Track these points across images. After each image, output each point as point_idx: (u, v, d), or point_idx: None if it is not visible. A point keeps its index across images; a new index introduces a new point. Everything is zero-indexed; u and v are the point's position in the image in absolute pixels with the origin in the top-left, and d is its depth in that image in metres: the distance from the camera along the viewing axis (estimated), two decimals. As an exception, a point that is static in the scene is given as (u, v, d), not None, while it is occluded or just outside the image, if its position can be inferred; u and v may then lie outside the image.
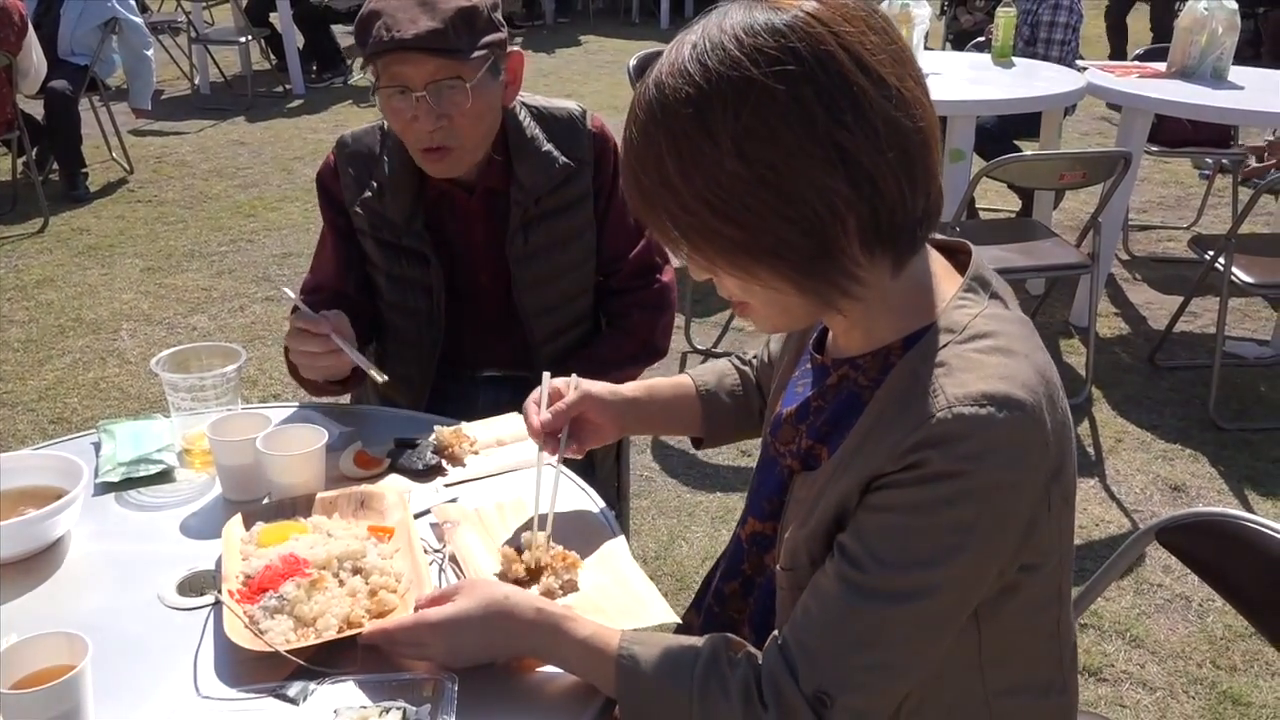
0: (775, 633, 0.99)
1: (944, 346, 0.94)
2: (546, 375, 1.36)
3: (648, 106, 0.91)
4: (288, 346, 1.57)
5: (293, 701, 1.01)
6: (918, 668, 0.95)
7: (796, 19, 0.88)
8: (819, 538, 0.98)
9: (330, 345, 1.52)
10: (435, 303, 1.78)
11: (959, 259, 1.05)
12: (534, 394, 1.34)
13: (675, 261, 1.35)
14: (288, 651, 1.05)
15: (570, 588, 1.18)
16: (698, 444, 1.44)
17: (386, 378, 1.52)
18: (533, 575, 1.19)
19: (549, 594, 1.15)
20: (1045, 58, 4.47)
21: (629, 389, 1.36)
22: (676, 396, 1.40)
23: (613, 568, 1.22)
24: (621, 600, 1.15)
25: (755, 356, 1.43)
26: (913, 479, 0.90)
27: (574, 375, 1.35)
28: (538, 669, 1.06)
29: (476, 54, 1.56)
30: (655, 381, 1.41)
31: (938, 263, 1.03)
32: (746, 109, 0.86)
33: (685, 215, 0.91)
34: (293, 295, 1.58)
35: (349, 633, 1.08)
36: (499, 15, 1.62)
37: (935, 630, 0.94)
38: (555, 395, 1.32)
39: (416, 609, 1.08)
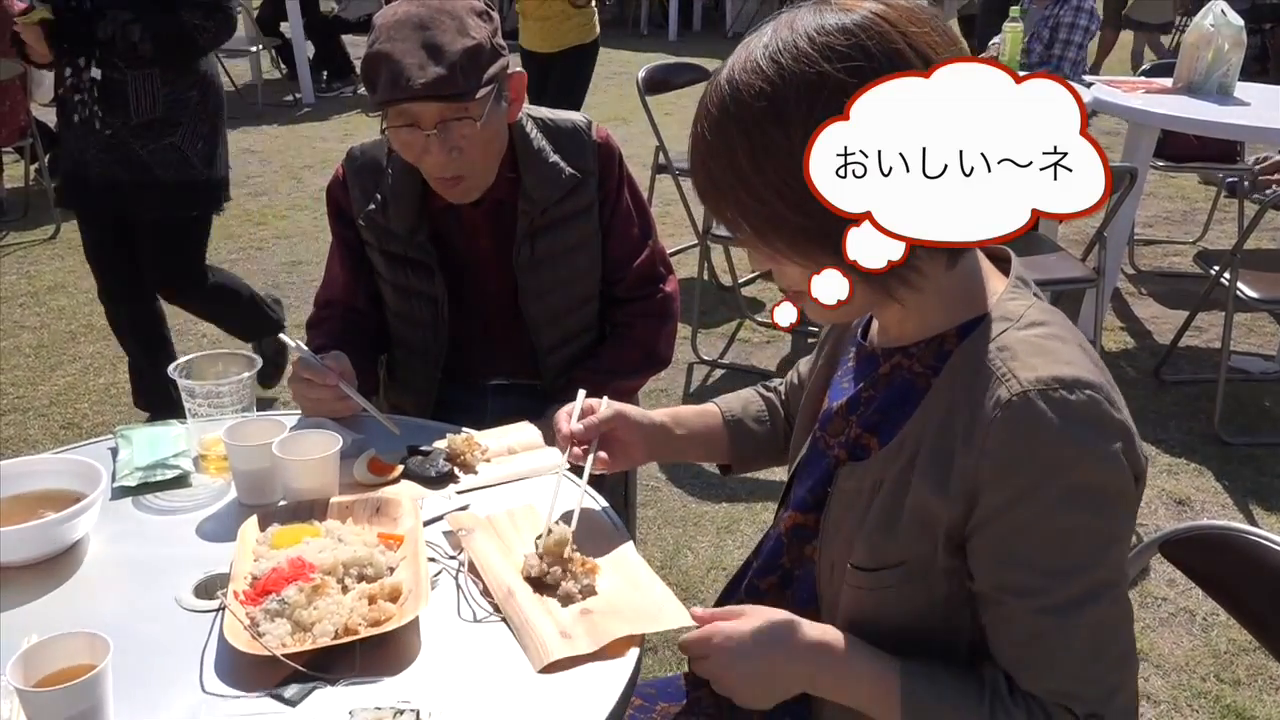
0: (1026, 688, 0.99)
1: (1004, 332, 0.98)
2: (582, 392, 1.39)
3: (720, 102, 0.95)
4: (295, 392, 1.60)
5: (289, 703, 1.03)
6: (1134, 641, 0.99)
7: (865, 19, 0.92)
8: (918, 541, 1.00)
9: (338, 393, 1.56)
10: (440, 312, 1.80)
11: (1000, 264, 1.10)
12: (567, 406, 1.36)
13: (678, 272, 1.37)
14: (283, 656, 1.06)
15: (589, 592, 1.19)
16: (725, 470, 1.46)
17: (400, 432, 1.55)
18: (550, 567, 1.20)
19: (569, 598, 1.17)
20: (1061, 58, 4.46)
21: (658, 415, 1.39)
22: (704, 425, 1.42)
23: (627, 572, 1.23)
24: (638, 604, 1.17)
25: (782, 383, 1.45)
26: (1029, 494, 0.92)
27: (605, 397, 1.37)
28: (555, 673, 1.07)
29: (483, 91, 1.58)
30: (682, 409, 1.43)
31: (984, 261, 1.07)
32: (820, 102, 0.90)
33: (756, 204, 0.94)
34: (293, 343, 1.60)
35: (344, 640, 1.09)
36: (499, 39, 1.64)
37: (1128, 600, 0.99)
38: (588, 411, 1.35)
39: (700, 623, 1.09)
